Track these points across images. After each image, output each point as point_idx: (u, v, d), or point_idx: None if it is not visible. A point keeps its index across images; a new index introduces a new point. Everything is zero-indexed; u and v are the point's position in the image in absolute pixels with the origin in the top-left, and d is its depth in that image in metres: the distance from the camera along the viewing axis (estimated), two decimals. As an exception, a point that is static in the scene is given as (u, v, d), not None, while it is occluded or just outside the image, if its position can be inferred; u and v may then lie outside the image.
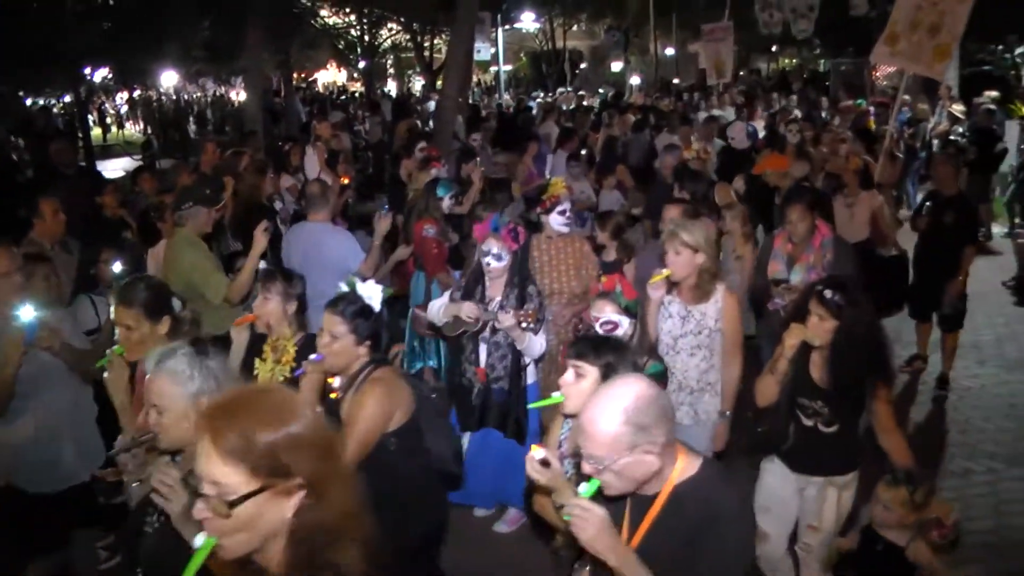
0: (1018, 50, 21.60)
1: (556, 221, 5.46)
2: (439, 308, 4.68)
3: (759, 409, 3.72)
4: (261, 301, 3.91)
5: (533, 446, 2.58)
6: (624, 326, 3.66)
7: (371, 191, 8.73)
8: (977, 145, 10.89)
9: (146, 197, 7.64)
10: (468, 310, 4.41)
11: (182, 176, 7.79)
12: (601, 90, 24.17)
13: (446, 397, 4.56)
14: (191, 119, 26.33)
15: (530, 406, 3.15)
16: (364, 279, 3.72)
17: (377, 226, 5.81)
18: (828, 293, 3.38)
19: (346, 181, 8.57)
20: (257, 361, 3.93)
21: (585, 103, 19.50)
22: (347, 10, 26.79)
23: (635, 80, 27.51)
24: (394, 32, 28.71)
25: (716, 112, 13.72)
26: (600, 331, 3.61)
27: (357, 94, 28.12)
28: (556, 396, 2.98)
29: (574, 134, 10.61)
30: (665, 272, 4.14)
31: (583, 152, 10.41)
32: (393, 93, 28.94)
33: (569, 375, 2.96)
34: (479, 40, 20.20)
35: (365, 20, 27.10)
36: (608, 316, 3.66)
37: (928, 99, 13.89)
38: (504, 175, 8.99)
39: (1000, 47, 21.89)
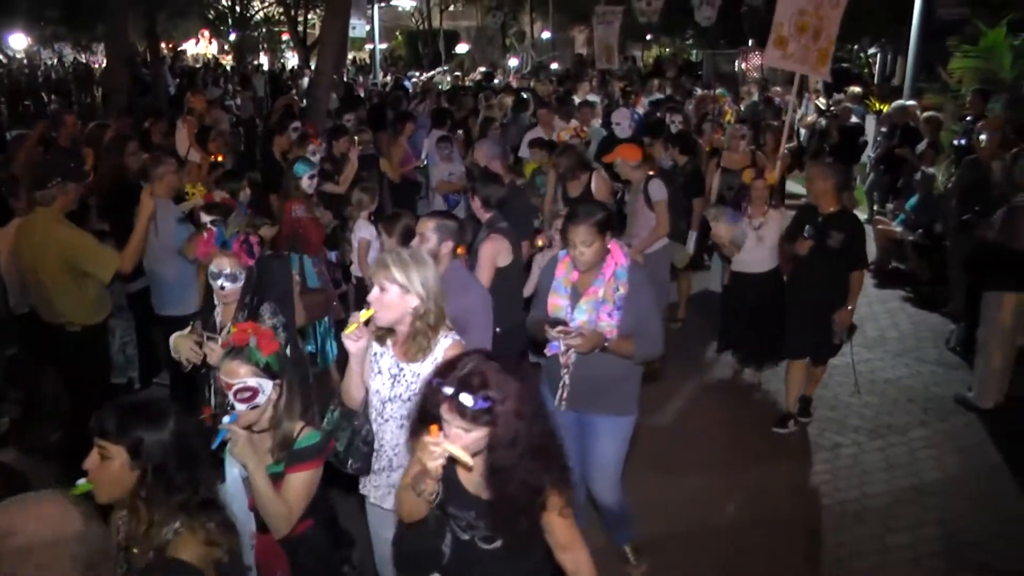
0: (870, 50, 22.92)
1: None
2: (174, 344, 3.86)
3: (404, 524, 2.78)
4: None
5: None
6: (266, 391, 2.91)
7: (242, 169, 8.38)
8: (842, 136, 11.45)
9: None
10: (186, 352, 3.71)
11: (24, 148, 7.20)
12: (481, 69, 24.08)
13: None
14: (50, 88, 24.44)
15: None
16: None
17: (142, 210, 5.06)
18: (467, 399, 2.33)
19: (220, 159, 8.17)
20: None
21: (467, 83, 19.39)
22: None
23: (513, 63, 27.56)
24: (267, 4, 27.81)
25: (591, 98, 13.78)
26: (234, 401, 2.87)
27: (228, 67, 26.96)
28: (82, 484, 2.35)
29: (448, 115, 10.46)
30: (364, 314, 3.16)
31: (460, 132, 10.27)
32: (265, 68, 27.95)
33: (92, 458, 2.36)
34: (355, 16, 19.79)
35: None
36: (243, 381, 2.88)
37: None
38: (371, 152, 8.78)
39: (856, 47, 23.13)
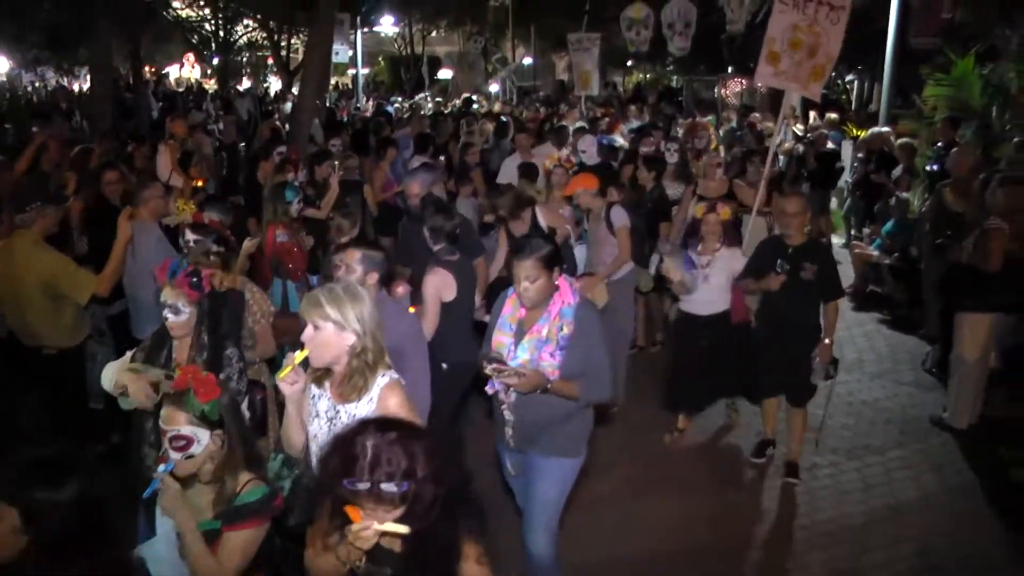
0: (847, 77, 23.32)
1: None
2: (112, 375, 3.67)
3: None
4: None
5: None
6: (201, 440, 2.76)
7: (225, 194, 8.39)
8: (819, 162, 11.62)
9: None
10: (139, 396, 3.48)
11: (15, 169, 7.24)
12: (474, 97, 24.23)
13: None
14: (31, 111, 24.26)
15: None
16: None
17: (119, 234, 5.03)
18: (390, 487, 2.16)
19: (201, 184, 8.18)
20: None
21: (445, 110, 19.48)
22: (201, 3, 25.86)
23: (494, 88, 27.81)
24: (250, 29, 27.97)
25: (580, 124, 13.83)
26: (170, 450, 2.75)
27: (212, 92, 27.01)
28: None
29: (430, 141, 10.52)
30: (298, 355, 3.04)
31: (441, 158, 10.31)
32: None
33: None
34: (337, 42, 19.86)
35: (220, 15, 26.26)
36: (177, 429, 2.75)
37: (773, 117, 14.69)
38: (356, 177, 8.79)
39: (833, 73, 23.54)
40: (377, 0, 27.06)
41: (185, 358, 3.68)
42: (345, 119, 17.75)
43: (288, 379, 3.03)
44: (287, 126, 14.11)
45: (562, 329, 3.73)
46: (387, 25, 30.04)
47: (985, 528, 5.15)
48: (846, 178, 12.34)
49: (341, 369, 3.10)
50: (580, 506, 4.58)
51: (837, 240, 12.07)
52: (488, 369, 3.64)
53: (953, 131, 9.62)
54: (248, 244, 5.67)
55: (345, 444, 2.24)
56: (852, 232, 11.75)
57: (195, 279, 3.64)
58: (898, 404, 6.92)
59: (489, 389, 3.87)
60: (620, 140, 11.93)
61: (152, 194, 5.70)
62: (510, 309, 3.91)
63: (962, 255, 6.30)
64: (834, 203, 12.70)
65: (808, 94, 7.52)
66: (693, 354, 5.98)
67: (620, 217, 6.44)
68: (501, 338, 3.87)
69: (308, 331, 3.01)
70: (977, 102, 10.10)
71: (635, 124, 14.27)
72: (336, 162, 8.18)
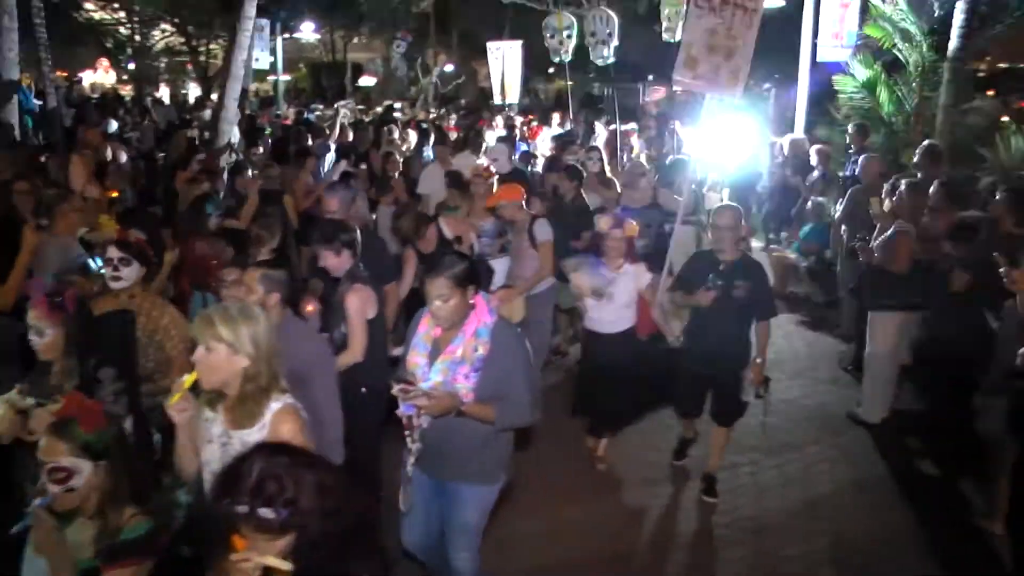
0: (766, 85, 23.99)
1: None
2: None
3: None
4: None
5: None
6: (83, 472, 2.64)
7: (143, 204, 8.20)
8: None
9: None
10: (2, 426, 3.34)
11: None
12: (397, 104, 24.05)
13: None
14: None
15: None
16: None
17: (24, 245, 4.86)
18: (267, 513, 2.02)
19: (115, 195, 7.96)
20: None
21: (366, 118, 19.30)
22: (116, 6, 25.10)
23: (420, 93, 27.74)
24: (168, 34, 27.27)
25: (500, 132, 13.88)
26: (48, 482, 2.62)
27: (129, 98, 26.25)
28: None
29: (352, 149, 10.43)
30: (188, 379, 2.89)
31: (363, 167, 10.23)
32: (166, 100, 27.31)
33: None
34: (257, 48, 19.56)
35: (136, 19, 25.55)
36: (57, 461, 2.62)
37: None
38: (277, 187, 8.65)
39: (752, 81, 24.18)
40: (296, 4, 26.54)
41: (57, 383, 3.50)
42: (266, 126, 17.43)
43: (177, 407, 2.88)
44: (206, 134, 13.84)
45: (477, 350, 3.56)
46: (308, 32, 29.60)
47: (896, 517, 5.35)
48: (764, 183, 12.69)
49: (233, 393, 2.97)
50: (504, 515, 4.56)
51: (756, 244, 12.40)
52: (394, 390, 3.48)
53: (862, 138, 9.97)
54: (169, 257, 5.56)
55: (234, 465, 2.13)
56: (770, 236, 12.08)
57: (56, 299, 3.47)
58: (816, 401, 7.12)
59: (400, 412, 3.64)
60: (540, 147, 12.01)
61: (68, 208, 5.54)
62: (425, 328, 3.74)
63: (872, 257, 6.54)
64: (753, 208, 13.01)
65: (731, 95, 7.61)
66: (599, 372, 5.80)
67: (543, 232, 6.39)
68: (416, 358, 3.71)
69: (199, 352, 2.87)
70: (885, 111, 10.52)
71: (558, 131, 14.38)
72: (254, 172, 8.05)
